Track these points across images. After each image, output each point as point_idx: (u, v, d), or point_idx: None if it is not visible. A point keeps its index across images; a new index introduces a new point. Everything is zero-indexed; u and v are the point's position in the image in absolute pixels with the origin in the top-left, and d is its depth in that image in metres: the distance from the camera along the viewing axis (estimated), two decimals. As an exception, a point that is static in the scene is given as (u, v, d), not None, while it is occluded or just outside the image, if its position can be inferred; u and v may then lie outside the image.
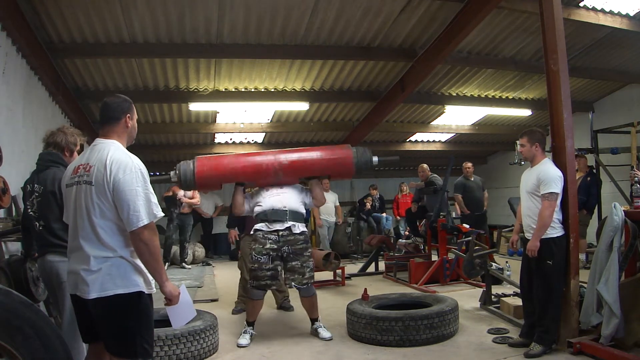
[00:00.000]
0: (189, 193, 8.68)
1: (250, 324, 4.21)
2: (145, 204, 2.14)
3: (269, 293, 5.16)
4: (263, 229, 4.14)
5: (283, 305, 5.18)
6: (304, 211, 4.29)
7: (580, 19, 5.88)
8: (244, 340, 4.06)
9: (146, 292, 2.22)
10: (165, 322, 3.64)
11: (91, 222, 2.16)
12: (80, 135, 3.25)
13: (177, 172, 4.08)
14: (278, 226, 4.10)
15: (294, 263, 4.13)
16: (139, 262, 2.20)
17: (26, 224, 3.17)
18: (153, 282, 2.27)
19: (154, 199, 2.20)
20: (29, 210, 3.06)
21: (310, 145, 8.72)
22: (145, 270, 2.22)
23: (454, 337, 4.01)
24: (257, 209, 4.22)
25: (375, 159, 4.25)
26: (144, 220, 2.12)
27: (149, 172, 2.27)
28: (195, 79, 7.07)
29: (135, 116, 2.43)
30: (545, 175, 3.57)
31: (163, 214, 2.26)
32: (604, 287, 3.34)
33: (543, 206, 3.55)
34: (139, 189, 2.14)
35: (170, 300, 2.30)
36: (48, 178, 2.97)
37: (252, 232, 4.27)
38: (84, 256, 2.16)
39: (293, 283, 4.15)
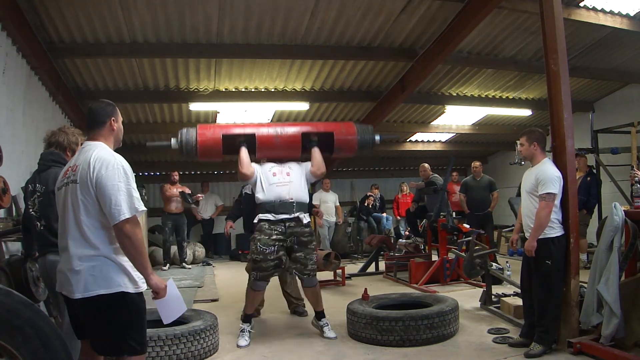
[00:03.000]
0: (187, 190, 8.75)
1: (247, 318, 4.16)
2: (127, 199, 2.17)
3: (282, 298, 5.15)
4: (269, 218, 4.09)
5: (297, 310, 5.13)
6: (307, 199, 4.30)
7: (581, 19, 5.88)
8: (243, 341, 4.04)
9: (132, 292, 2.23)
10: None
11: (77, 219, 2.21)
12: (81, 135, 3.25)
13: (178, 139, 4.03)
14: (285, 216, 4.08)
15: (298, 254, 4.14)
16: (122, 260, 2.23)
17: (27, 223, 3.17)
18: (141, 280, 2.28)
19: (136, 194, 2.24)
20: (30, 210, 3.07)
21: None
22: (131, 269, 2.24)
23: (454, 337, 4.01)
24: (260, 196, 4.14)
25: (377, 137, 4.42)
26: (126, 214, 2.15)
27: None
28: (195, 79, 7.07)
29: (120, 119, 2.50)
30: (544, 175, 3.58)
31: (145, 209, 2.31)
32: (604, 287, 3.34)
33: (540, 206, 3.55)
34: (120, 184, 2.18)
35: (157, 293, 2.32)
36: (50, 177, 2.97)
37: (256, 221, 4.18)
38: (69, 256, 2.20)
39: (295, 271, 4.18)
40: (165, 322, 2.60)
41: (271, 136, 4.17)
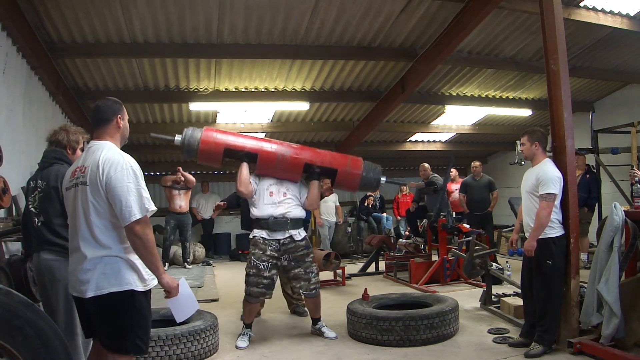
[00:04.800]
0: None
1: (247, 325, 4.20)
2: (137, 199, 2.19)
3: (282, 298, 5.14)
4: (263, 235, 4.08)
5: (297, 310, 5.12)
6: (304, 214, 4.24)
7: (581, 19, 5.88)
8: (243, 342, 4.04)
9: (141, 290, 2.26)
10: (166, 322, 3.67)
11: (88, 221, 2.23)
12: (83, 133, 3.25)
13: (182, 137, 4.01)
14: (279, 235, 4.06)
15: (296, 271, 4.11)
16: (133, 258, 2.26)
17: (26, 220, 3.16)
18: (150, 277, 2.31)
19: (146, 194, 2.25)
20: (30, 206, 3.06)
21: (310, 145, 8.71)
22: (141, 267, 2.27)
23: (454, 337, 4.01)
24: (255, 212, 4.12)
25: (383, 178, 4.25)
26: (136, 215, 2.17)
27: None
28: (195, 78, 7.08)
29: (126, 116, 2.50)
30: (544, 175, 3.58)
31: (156, 208, 2.32)
32: (604, 287, 3.34)
33: (540, 206, 3.55)
34: (130, 185, 2.20)
35: (169, 292, 2.35)
36: (51, 174, 2.97)
37: (251, 236, 4.19)
38: (81, 256, 2.23)
39: (301, 290, 4.16)
40: (177, 320, 2.63)
41: (273, 158, 4.06)
